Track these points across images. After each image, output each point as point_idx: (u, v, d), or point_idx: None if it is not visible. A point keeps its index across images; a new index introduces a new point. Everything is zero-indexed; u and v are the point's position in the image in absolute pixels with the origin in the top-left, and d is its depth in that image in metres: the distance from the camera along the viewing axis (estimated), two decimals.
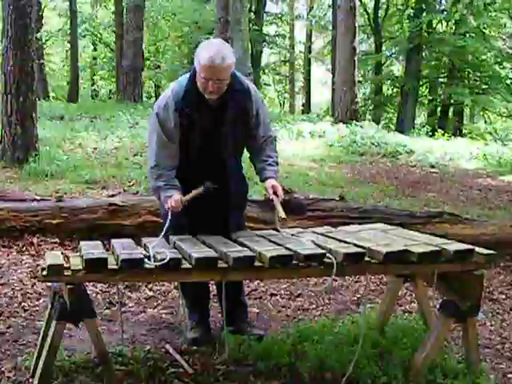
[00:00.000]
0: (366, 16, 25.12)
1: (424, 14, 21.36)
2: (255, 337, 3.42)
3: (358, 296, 4.54)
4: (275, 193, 3.24)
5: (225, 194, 3.28)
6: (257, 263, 2.81)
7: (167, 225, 3.15)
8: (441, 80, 23.72)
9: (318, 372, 3.11)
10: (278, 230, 3.30)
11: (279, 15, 28.95)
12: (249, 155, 3.47)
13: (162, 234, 3.13)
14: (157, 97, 28.24)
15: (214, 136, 3.22)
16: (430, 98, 24.27)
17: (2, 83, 7.97)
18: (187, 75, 3.25)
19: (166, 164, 3.20)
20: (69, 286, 2.68)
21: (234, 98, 3.19)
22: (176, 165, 3.24)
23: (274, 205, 3.21)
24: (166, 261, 2.71)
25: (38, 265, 4.59)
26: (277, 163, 3.39)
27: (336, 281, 4.73)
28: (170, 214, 3.15)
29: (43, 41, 23.23)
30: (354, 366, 2.99)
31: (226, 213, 3.32)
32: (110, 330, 3.65)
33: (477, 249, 3.06)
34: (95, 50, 29.65)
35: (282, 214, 3.14)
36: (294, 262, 2.83)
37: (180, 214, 3.17)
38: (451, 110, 23.84)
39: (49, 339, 2.78)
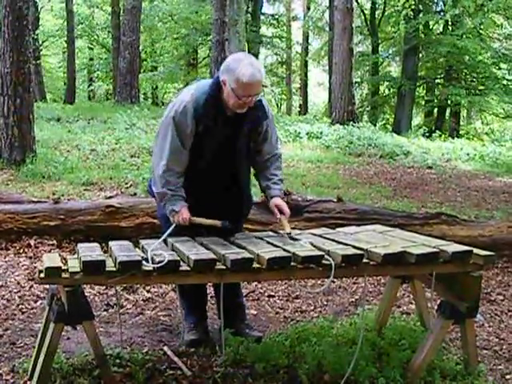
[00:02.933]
0: (363, 17, 25.15)
1: (421, 15, 21.40)
2: (253, 338, 3.41)
3: (356, 297, 4.54)
4: (281, 211, 3.26)
5: (236, 205, 3.31)
6: (255, 265, 2.81)
7: (167, 233, 3.14)
8: (438, 81, 23.77)
9: (317, 373, 3.11)
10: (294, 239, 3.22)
11: (276, 16, 28.93)
12: (253, 171, 3.48)
13: (161, 239, 3.11)
14: (153, 98, 28.31)
15: (226, 148, 3.21)
16: (427, 98, 24.34)
17: None
18: (207, 82, 3.22)
19: (177, 170, 3.17)
20: (66, 289, 2.67)
21: (250, 112, 3.18)
22: (184, 172, 3.21)
23: (282, 223, 3.25)
24: (164, 263, 2.70)
25: (35, 267, 4.59)
26: (281, 181, 3.42)
27: (334, 282, 4.74)
28: (172, 227, 3.15)
29: (40, 42, 23.20)
30: (352, 367, 2.99)
31: (234, 221, 3.29)
32: (108, 332, 3.64)
33: (475, 250, 3.06)
34: (91, 50, 29.60)
35: (289, 230, 3.19)
36: (292, 263, 2.83)
37: None
38: (448, 110, 23.88)
39: (47, 341, 2.77)
